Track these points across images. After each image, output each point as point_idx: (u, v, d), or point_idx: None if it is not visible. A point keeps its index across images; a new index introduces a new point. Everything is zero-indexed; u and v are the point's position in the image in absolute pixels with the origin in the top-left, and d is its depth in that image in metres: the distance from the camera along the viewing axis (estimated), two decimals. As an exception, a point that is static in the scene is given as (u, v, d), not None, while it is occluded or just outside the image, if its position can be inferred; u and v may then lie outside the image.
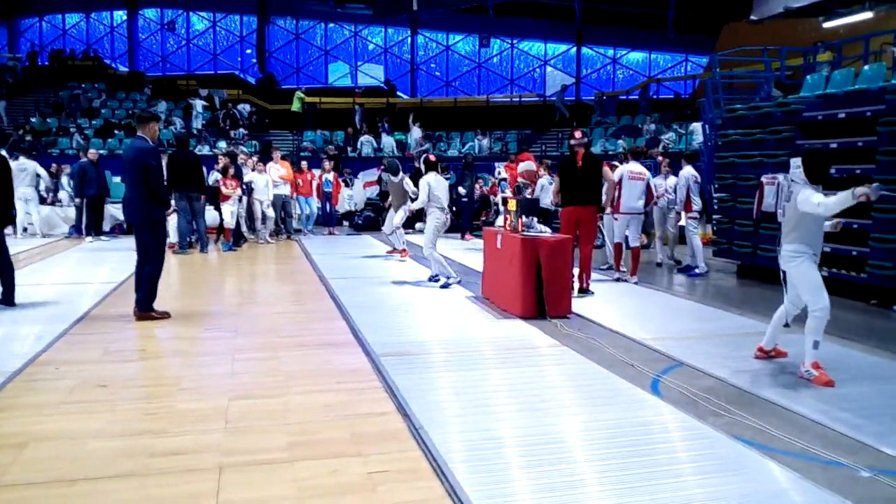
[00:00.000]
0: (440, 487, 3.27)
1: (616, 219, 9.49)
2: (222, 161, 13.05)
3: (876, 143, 7.80)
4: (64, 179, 15.66)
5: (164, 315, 6.83)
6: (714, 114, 12.25)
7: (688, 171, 10.15)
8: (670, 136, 19.40)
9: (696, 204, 10.10)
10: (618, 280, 9.43)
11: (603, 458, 3.63)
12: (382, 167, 14.78)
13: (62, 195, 15.65)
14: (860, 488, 3.29)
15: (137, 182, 6.62)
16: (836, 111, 8.45)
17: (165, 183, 7.67)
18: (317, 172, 15.99)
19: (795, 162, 5.03)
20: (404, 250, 11.72)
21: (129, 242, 12.49)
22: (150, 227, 6.76)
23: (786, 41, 14.17)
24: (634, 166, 9.37)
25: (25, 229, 14.50)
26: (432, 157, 9.17)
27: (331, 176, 16.19)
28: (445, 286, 8.72)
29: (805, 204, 4.84)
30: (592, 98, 26.84)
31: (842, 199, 4.67)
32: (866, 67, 9.24)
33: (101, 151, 17.90)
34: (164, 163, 9.36)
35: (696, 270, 10.06)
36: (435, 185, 8.77)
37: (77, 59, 30.00)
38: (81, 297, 7.91)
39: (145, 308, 6.74)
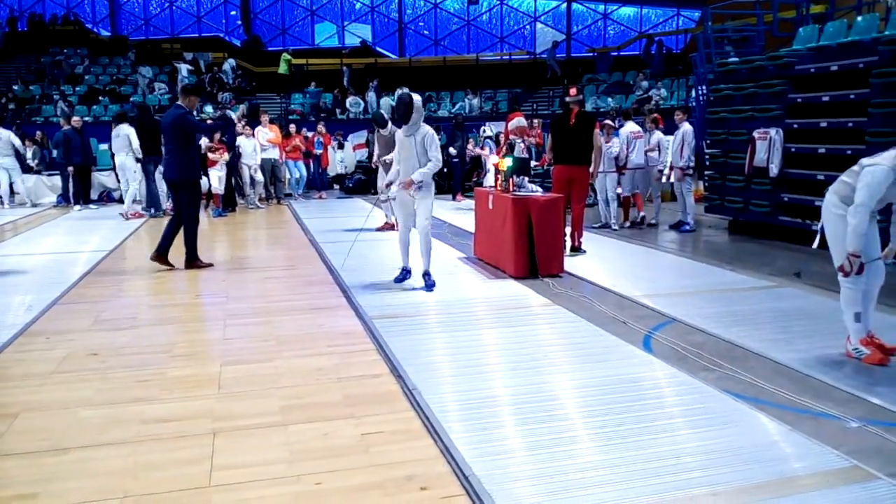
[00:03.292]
0: (434, 447, 3.28)
1: (623, 173, 10.30)
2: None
3: (868, 96, 7.70)
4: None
5: (209, 264, 7.69)
6: (706, 69, 12.11)
7: (686, 126, 10.05)
8: (662, 92, 19.19)
9: (689, 160, 10.02)
10: (632, 225, 10.50)
11: (596, 414, 3.65)
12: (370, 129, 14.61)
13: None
14: (850, 438, 3.32)
15: (179, 145, 7.41)
16: (829, 63, 8.34)
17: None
18: (309, 135, 15.76)
19: None
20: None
21: (118, 210, 12.50)
22: (187, 186, 7.49)
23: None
24: (633, 126, 10.42)
25: (12, 199, 14.33)
26: None
27: (322, 138, 16.01)
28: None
29: (860, 190, 4.15)
30: (584, 55, 26.41)
31: (858, 241, 4.17)
32: (859, 19, 9.10)
33: (87, 118, 17.62)
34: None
35: (687, 227, 10.07)
36: None
37: (58, 24, 29.34)
38: (71, 265, 7.86)
39: (191, 259, 7.61)
